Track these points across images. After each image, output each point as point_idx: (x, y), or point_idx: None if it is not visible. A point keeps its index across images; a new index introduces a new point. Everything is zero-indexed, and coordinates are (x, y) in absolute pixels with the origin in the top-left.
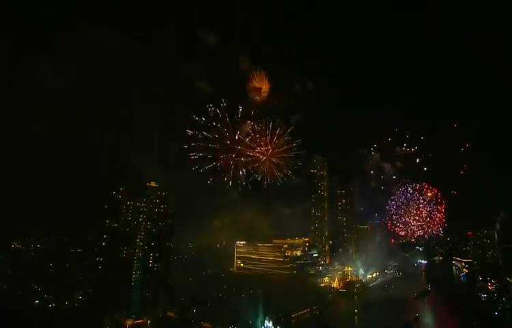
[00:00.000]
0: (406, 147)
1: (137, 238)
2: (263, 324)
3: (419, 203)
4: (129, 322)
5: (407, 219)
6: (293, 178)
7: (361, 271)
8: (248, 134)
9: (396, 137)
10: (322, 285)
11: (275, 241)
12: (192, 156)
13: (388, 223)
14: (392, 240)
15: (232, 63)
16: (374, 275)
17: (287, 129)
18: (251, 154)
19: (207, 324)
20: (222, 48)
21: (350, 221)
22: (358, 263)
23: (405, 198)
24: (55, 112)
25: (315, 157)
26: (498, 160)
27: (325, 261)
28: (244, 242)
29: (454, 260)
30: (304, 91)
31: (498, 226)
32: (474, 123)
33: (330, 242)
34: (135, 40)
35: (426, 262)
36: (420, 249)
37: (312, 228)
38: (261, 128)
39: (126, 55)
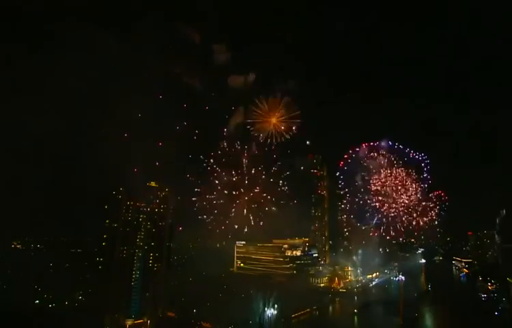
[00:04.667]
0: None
1: (137, 238)
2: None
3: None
4: (129, 322)
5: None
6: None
7: (361, 271)
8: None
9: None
10: (322, 285)
11: (275, 241)
12: None
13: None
14: (392, 241)
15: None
16: (374, 275)
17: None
18: None
19: (207, 324)
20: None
21: (350, 221)
22: (358, 263)
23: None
24: (54, 113)
25: (315, 157)
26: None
27: (325, 261)
28: (244, 242)
29: (454, 260)
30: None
31: (497, 226)
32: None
33: (330, 242)
34: (133, 40)
35: (425, 262)
36: (420, 250)
37: (312, 228)
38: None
39: (123, 54)
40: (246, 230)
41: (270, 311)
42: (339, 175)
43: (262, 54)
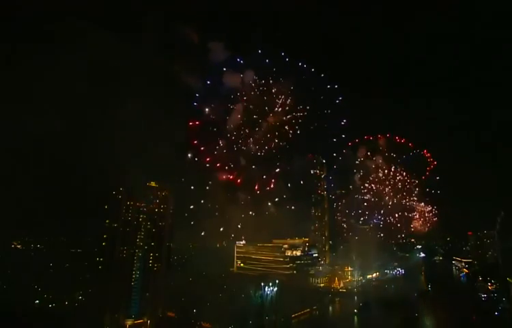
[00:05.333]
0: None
1: (137, 238)
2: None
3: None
4: (129, 322)
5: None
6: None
7: (361, 271)
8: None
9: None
10: (322, 285)
11: (275, 241)
12: None
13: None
14: (392, 241)
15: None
16: (374, 275)
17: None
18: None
19: (207, 324)
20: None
21: (350, 221)
22: (358, 263)
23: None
24: (54, 113)
25: (315, 157)
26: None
27: (325, 261)
28: (243, 242)
29: (455, 260)
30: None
31: (498, 226)
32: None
33: (330, 242)
34: (129, 41)
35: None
36: (419, 246)
37: (312, 228)
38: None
39: (123, 53)
40: (246, 230)
41: (270, 289)
42: (330, 175)
43: (262, 50)
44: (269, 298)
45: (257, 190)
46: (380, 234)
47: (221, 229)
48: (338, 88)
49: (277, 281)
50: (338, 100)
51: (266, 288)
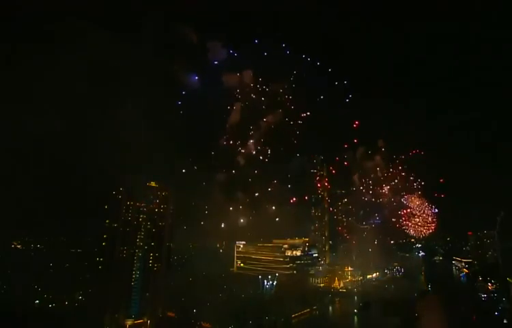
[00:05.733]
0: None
1: (137, 238)
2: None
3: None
4: (129, 322)
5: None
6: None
7: (361, 271)
8: None
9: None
10: (322, 285)
11: (275, 241)
12: None
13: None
14: (392, 241)
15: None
16: (374, 275)
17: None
18: None
19: (207, 324)
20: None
21: (350, 221)
22: (358, 263)
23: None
24: (54, 113)
25: (315, 157)
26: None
27: (325, 261)
28: (243, 242)
29: (455, 260)
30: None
31: (498, 226)
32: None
33: (330, 242)
34: (129, 41)
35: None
36: (419, 245)
37: (312, 228)
38: None
39: (122, 53)
40: (246, 230)
41: (269, 283)
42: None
43: (259, 51)
44: (268, 293)
45: (257, 190)
46: (380, 234)
47: (221, 229)
48: (341, 87)
49: (276, 274)
50: (348, 98)
51: (265, 282)
